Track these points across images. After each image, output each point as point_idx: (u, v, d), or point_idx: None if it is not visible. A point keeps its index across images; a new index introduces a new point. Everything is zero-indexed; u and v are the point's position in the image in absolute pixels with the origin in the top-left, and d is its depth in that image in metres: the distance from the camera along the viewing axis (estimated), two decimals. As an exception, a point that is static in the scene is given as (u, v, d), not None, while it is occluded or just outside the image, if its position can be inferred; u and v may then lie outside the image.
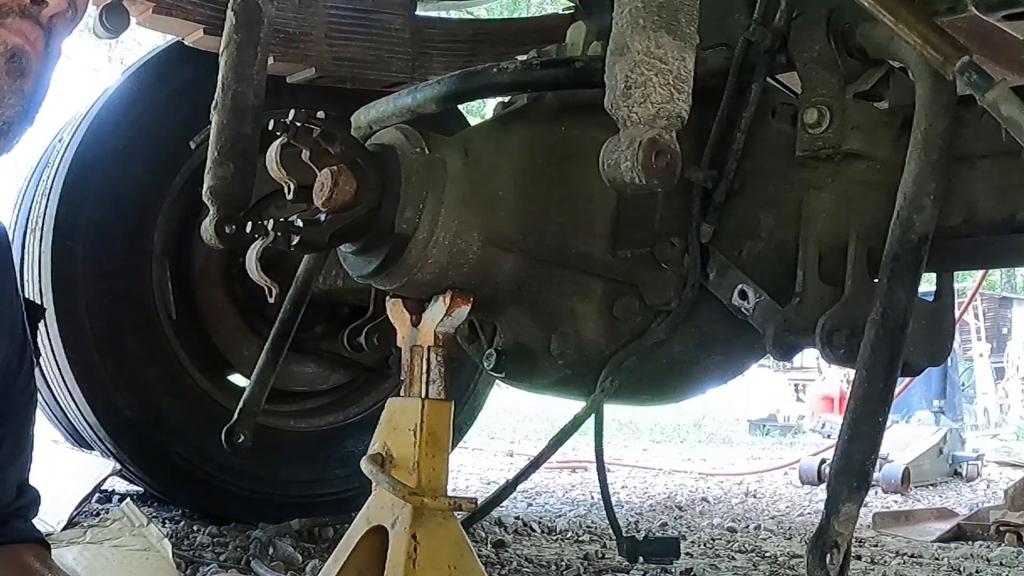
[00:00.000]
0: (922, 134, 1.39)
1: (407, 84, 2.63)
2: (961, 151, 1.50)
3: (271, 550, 2.38)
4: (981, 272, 6.61)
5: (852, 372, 1.34)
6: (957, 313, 2.42)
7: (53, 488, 2.45)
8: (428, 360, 1.59)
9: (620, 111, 1.26)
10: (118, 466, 2.68)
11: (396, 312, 1.65)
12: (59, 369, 2.66)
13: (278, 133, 1.51)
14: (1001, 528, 3.28)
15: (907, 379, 5.81)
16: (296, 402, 2.97)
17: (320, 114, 1.50)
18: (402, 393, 1.62)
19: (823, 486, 2.78)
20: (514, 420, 9.42)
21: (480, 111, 5.77)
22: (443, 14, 3.49)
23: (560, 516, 3.43)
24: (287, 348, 2.07)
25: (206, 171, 1.68)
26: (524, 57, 1.78)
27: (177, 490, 2.84)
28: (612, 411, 2.35)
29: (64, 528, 2.29)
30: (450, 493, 1.57)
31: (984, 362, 14.54)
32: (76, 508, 2.45)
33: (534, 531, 3.04)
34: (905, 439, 5.69)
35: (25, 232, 2.74)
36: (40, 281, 2.63)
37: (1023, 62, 1.67)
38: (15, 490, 1.64)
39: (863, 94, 1.60)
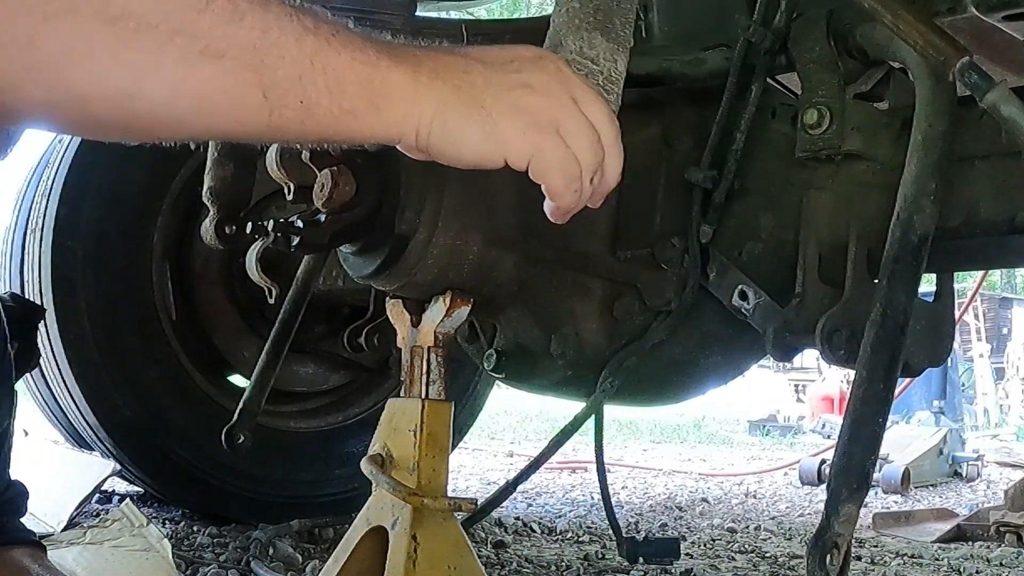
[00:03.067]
0: (922, 135, 1.39)
1: (407, 84, 2.62)
2: (961, 152, 1.50)
3: (271, 551, 2.38)
4: (981, 272, 6.61)
5: (852, 373, 1.34)
6: (957, 313, 2.42)
7: (53, 488, 2.45)
8: (428, 361, 1.59)
9: None
10: (118, 466, 2.68)
11: (396, 313, 1.65)
12: (59, 369, 2.66)
13: (278, 133, 1.50)
14: (1001, 529, 3.28)
15: (907, 380, 5.81)
16: (296, 403, 2.97)
17: (320, 114, 1.49)
18: (402, 394, 1.62)
19: (823, 487, 2.78)
20: (514, 420, 9.43)
21: (480, 111, 5.76)
22: (443, 14, 3.49)
23: (560, 517, 3.43)
24: (287, 349, 2.07)
25: (206, 171, 1.68)
26: (524, 58, 1.77)
27: (177, 490, 2.84)
28: (612, 412, 2.35)
29: (64, 529, 2.29)
30: (450, 494, 1.56)
31: (984, 362, 14.54)
32: (76, 508, 2.46)
33: (534, 532, 3.04)
34: (905, 439, 5.69)
35: (25, 232, 2.74)
36: (40, 281, 2.63)
37: (1023, 62, 1.67)
38: (4, 484, 1.65)
39: (863, 95, 1.60)
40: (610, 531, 2.04)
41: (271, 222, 1.53)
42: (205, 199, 1.66)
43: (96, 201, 2.64)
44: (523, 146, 0.97)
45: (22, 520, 1.70)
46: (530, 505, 3.77)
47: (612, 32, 1.27)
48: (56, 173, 2.67)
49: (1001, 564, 2.94)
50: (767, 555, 2.90)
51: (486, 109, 0.95)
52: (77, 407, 2.70)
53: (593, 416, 1.80)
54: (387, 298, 1.67)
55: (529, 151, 0.98)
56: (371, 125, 0.91)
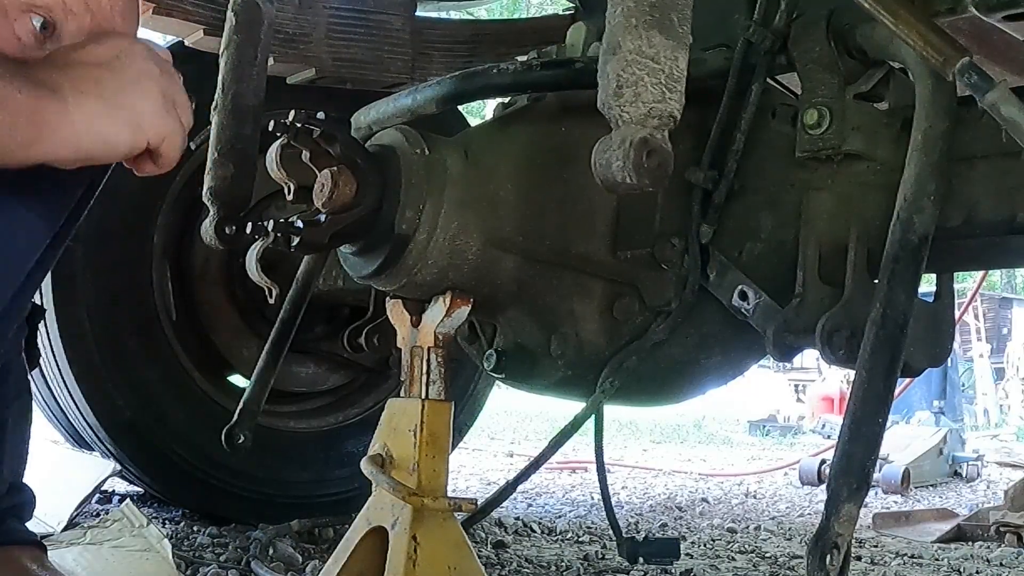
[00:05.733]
0: (922, 135, 1.39)
1: (407, 85, 2.63)
2: (961, 152, 1.50)
3: (271, 551, 2.38)
4: (981, 273, 6.61)
5: (852, 373, 1.34)
6: (957, 314, 2.42)
7: (53, 488, 2.45)
8: (428, 361, 1.59)
9: (612, 110, 1.25)
10: (118, 466, 2.68)
11: (396, 313, 1.65)
12: (59, 369, 2.66)
13: (278, 134, 1.51)
14: (1001, 529, 3.28)
15: (907, 380, 5.82)
16: (296, 403, 2.97)
17: (320, 115, 1.50)
18: (402, 394, 1.62)
19: (823, 487, 2.78)
20: (514, 420, 9.43)
21: (480, 112, 5.77)
22: (443, 14, 3.49)
23: (560, 517, 3.43)
24: (287, 349, 2.07)
25: (206, 172, 1.68)
26: (524, 58, 1.77)
27: (177, 490, 2.84)
28: (612, 412, 2.35)
29: (64, 529, 2.29)
30: (450, 494, 1.57)
31: (984, 363, 14.56)
32: (76, 509, 2.45)
33: (534, 532, 3.04)
34: (905, 439, 5.70)
35: (25, 232, 2.73)
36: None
37: (1023, 63, 1.67)
38: (8, 487, 1.65)
39: (863, 95, 1.60)
40: (610, 531, 2.04)
41: (271, 222, 1.53)
42: (205, 199, 1.66)
43: (96, 201, 2.63)
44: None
45: (24, 522, 1.70)
46: (530, 505, 3.77)
47: (670, 29, 1.25)
48: (56, 173, 2.66)
49: (1001, 564, 2.94)
50: (767, 555, 2.90)
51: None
52: (77, 407, 2.70)
53: (593, 416, 1.80)
54: (387, 298, 1.67)
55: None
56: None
